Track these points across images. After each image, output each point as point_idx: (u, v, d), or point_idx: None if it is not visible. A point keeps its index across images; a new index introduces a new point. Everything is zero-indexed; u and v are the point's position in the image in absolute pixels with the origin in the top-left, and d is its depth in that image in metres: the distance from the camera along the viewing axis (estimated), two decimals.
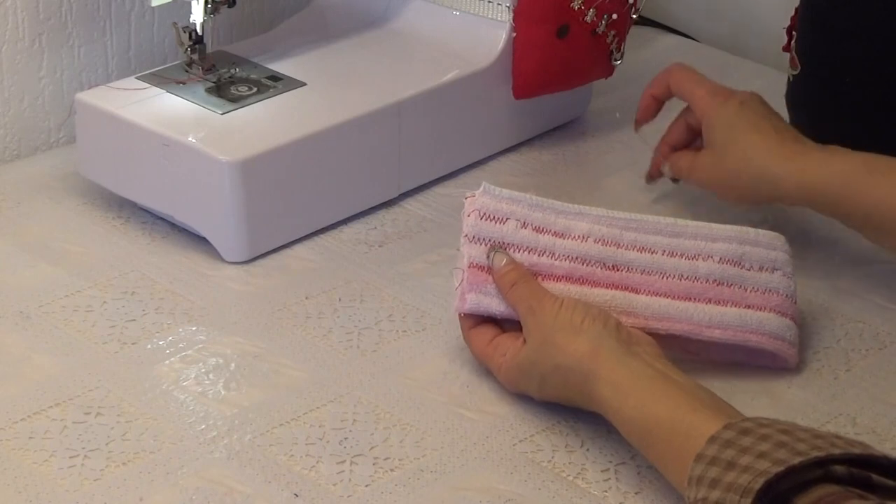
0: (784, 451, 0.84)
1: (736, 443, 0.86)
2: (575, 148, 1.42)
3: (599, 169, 1.39)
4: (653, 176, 1.31)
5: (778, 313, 1.10)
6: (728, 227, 1.12)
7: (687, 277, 1.09)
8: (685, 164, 1.25)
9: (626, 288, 1.08)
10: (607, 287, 1.08)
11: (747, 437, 0.86)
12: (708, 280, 1.09)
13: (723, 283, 1.09)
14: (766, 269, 1.11)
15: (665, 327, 1.08)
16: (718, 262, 1.09)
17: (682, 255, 1.09)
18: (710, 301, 1.09)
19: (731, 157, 1.20)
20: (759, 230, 1.12)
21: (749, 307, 1.09)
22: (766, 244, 1.12)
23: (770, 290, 1.10)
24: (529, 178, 1.36)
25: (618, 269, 1.08)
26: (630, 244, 1.09)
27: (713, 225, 1.11)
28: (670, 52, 1.62)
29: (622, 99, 1.49)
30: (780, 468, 0.82)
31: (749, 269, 1.10)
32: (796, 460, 0.83)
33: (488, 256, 1.07)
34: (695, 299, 1.09)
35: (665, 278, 1.09)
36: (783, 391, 1.09)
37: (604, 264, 1.08)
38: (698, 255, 1.10)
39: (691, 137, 1.27)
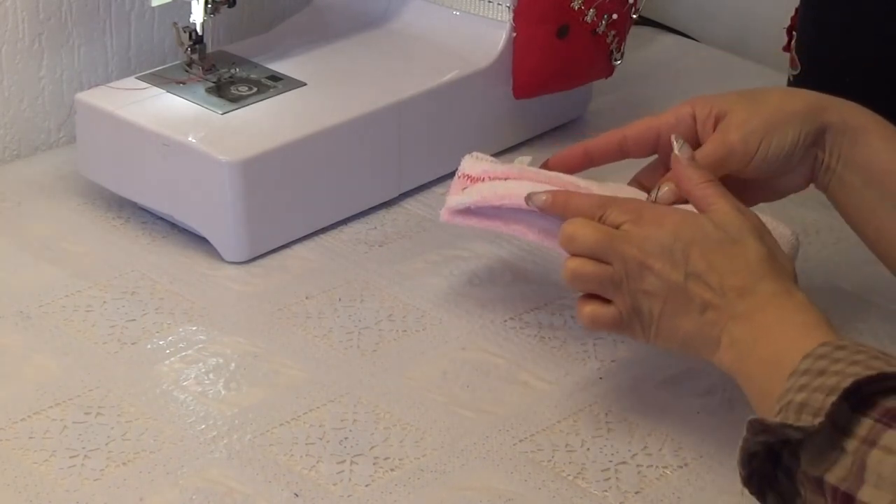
0: (879, 362, 0.83)
1: (830, 356, 0.85)
2: None
3: (599, 169, 1.38)
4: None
5: None
6: None
7: None
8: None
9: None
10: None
11: (842, 352, 0.85)
12: None
13: None
14: None
15: None
16: None
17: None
18: None
19: (767, 99, 1.07)
20: (771, 219, 1.04)
21: None
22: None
23: None
24: None
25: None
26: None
27: None
28: (670, 52, 1.62)
29: (622, 99, 1.49)
30: (872, 372, 0.81)
31: None
32: (890, 369, 0.81)
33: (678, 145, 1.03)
34: None
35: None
36: None
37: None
38: None
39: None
